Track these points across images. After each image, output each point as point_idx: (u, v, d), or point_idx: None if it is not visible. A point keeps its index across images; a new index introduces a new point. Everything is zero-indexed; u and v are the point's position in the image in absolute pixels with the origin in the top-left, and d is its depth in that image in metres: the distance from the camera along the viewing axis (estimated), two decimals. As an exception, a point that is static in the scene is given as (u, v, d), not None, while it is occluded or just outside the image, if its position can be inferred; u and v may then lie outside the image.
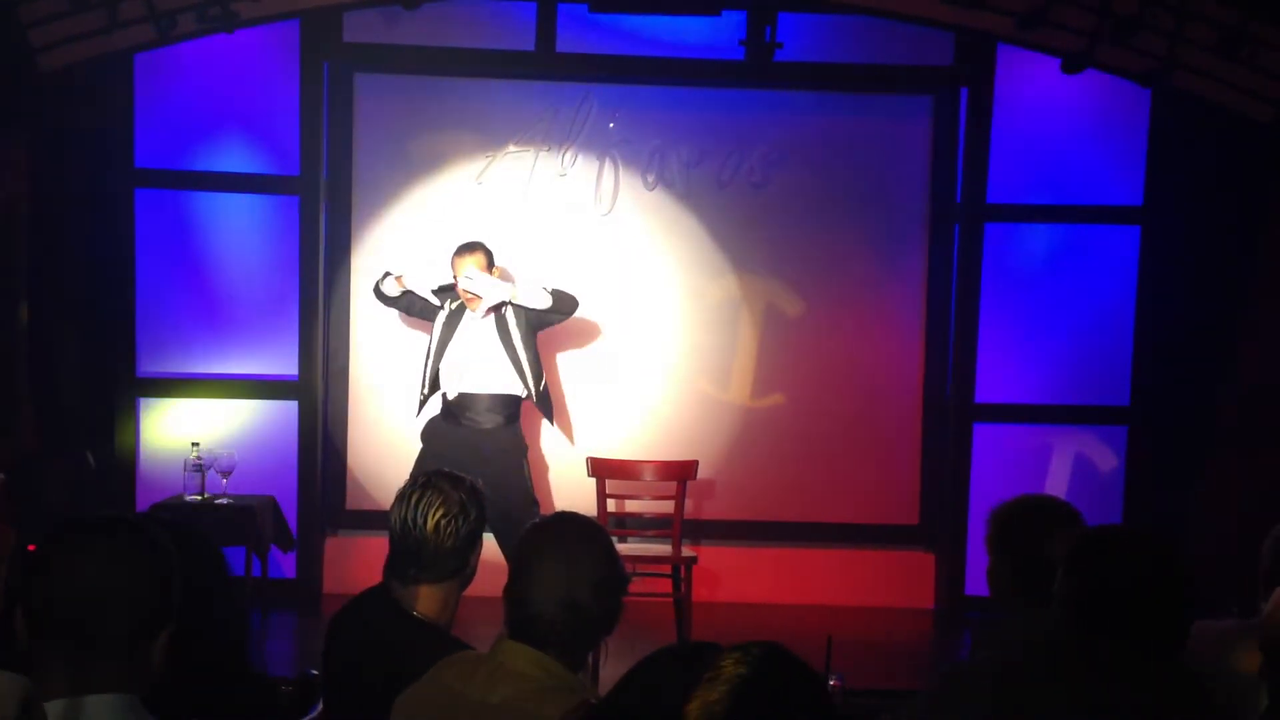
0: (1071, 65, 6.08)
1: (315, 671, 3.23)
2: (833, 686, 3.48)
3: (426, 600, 2.77)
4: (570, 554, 2.35)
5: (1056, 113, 6.75)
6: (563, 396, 6.96)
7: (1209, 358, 6.72)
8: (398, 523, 2.76)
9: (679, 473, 6.28)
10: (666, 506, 6.26)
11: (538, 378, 6.06)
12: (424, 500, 2.74)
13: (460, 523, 2.75)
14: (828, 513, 7.10)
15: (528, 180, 6.99)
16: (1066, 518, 2.97)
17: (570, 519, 2.46)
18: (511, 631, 2.36)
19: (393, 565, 2.80)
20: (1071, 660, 2.36)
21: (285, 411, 6.77)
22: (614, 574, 2.37)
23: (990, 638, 2.87)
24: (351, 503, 7.04)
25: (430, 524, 2.73)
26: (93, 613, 1.75)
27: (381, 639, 2.74)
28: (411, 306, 6.24)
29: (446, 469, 2.87)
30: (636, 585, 2.49)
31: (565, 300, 6.12)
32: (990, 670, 2.59)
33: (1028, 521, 2.93)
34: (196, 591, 2.00)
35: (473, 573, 2.85)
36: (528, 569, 2.35)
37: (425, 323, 6.29)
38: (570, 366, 7.03)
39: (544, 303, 6.05)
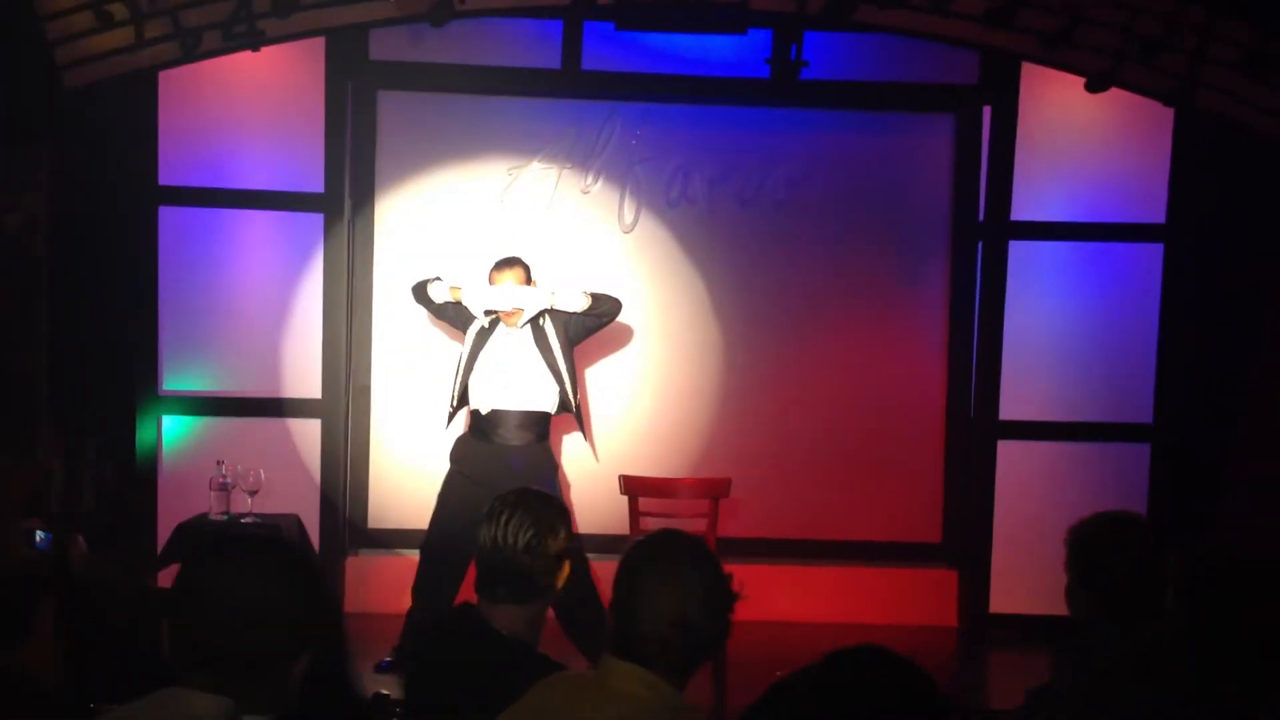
0: (1096, 85, 6.09)
1: (386, 692, 3.22)
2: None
3: (514, 619, 2.76)
4: (681, 572, 2.32)
5: (1080, 131, 6.76)
6: (589, 413, 6.95)
7: (1233, 375, 6.74)
8: (488, 542, 2.74)
9: (713, 490, 6.25)
10: (697, 524, 6.23)
11: (575, 390, 6.04)
12: (514, 519, 2.73)
13: (550, 542, 2.74)
14: (851, 530, 7.09)
15: (551, 197, 6.98)
16: (1146, 535, 2.97)
17: (677, 536, 2.43)
18: (617, 650, 2.34)
19: (481, 584, 2.78)
20: (1183, 682, 2.35)
21: (308, 430, 6.73)
22: (723, 592, 2.35)
23: (1074, 658, 2.85)
24: (373, 522, 7.01)
25: (521, 543, 2.71)
26: (242, 634, 1.74)
27: (471, 659, 2.72)
28: (443, 312, 6.18)
29: (534, 488, 2.85)
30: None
31: (605, 300, 6.07)
32: (1085, 691, 2.58)
33: (1110, 540, 2.93)
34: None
35: (558, 591, 2.83)
36: (636, 587, 2.33)
37: (450, 341, 6.25)
38: (594, 383, 7.01)
39: (582, 304, 6.03)
